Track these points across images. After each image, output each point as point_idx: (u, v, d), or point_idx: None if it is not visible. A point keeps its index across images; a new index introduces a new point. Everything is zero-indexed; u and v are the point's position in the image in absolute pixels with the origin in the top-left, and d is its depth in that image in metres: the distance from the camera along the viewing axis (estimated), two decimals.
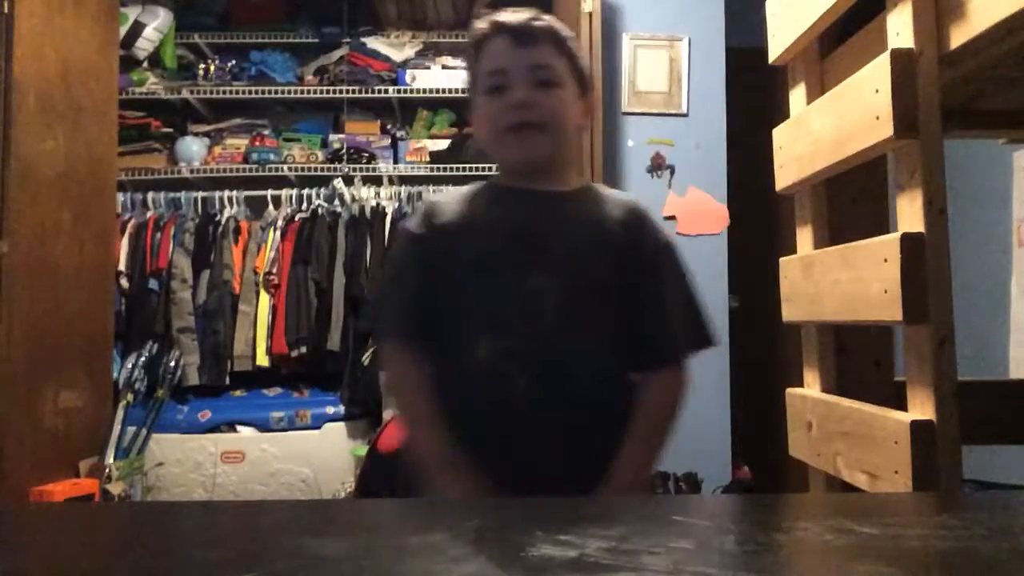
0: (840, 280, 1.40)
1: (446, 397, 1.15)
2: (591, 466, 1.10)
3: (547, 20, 1.21)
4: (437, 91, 3.71)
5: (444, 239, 1.17)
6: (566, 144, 1.22)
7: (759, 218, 3.28)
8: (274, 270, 3.50)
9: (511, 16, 1.19)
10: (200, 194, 3.69)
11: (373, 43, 3.80)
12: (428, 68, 3.76)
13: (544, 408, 1.10)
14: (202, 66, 3.77)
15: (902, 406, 1.25)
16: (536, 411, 1.10)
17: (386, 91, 3.73)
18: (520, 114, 1.15)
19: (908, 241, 1.18)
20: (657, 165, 3.33)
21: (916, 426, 1.16)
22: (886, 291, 1.22)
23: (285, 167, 3.71)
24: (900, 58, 1.20)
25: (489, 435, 1.10)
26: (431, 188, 3.65)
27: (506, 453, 1.09)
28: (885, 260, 1.22)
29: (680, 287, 1.21)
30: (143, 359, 3.29)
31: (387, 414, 3.17)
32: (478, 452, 1.10)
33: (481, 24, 1.21)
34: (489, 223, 1.18)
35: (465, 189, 1.27)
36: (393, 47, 3.81)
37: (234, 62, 3.78)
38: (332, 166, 3.70)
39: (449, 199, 1.25)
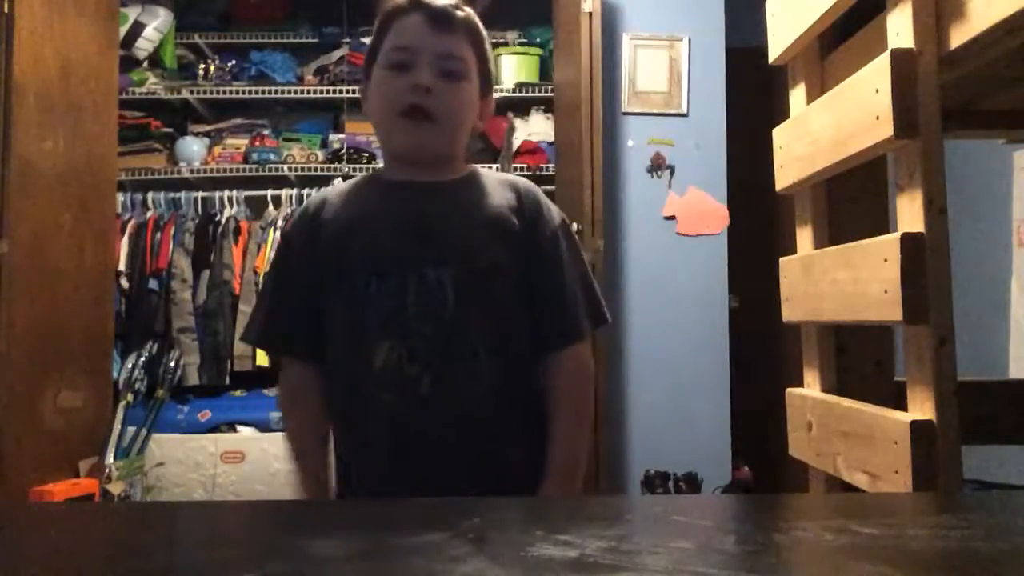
0: (840, 280, 1.40)
1: (342, 406, 1.13)
2: (498, 459, 1.09)
3: (468, 11, 1.16)
4: None
5: (330, 239, 1.13)
6: (458, 140, 1.17)
7: (759, 218, 3.28)
8: None
9: None
10: (200, 194, 3.69)
11: None
12: None
13: (451, 406, 1.07)
14: (202, 66, 3.77)
15: (902, 406, 1.25)
16: (442, 410, 1.07)
17: None
18: (420, 97, 1.10)
19: (908, 241, 1.18)
20: (657, 165, 3.33)
21: (916, 426, 1.16)
22: (886, 291, 1.22)
23: (285, 167, 3.71)
24: (900, 58, 1.20)
25: (393, 442, 1.08)
26: None
27: (410, 458, 1.07)
28: (885, 260, 1.22)
29: (577, 265, 1.17)
30: (143, 359, 3.29)
31: None
32: (378, 460, 1.09)
33: None
34: (379, 219, 1.13)
35: (347, 184, 1.22)
36: None
37: (234, 62, 3.78)
38: (332, 166, 3.70)
39: (331, 196, 1.19)
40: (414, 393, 1.06)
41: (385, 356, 1.06)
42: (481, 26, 1.18)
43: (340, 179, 3.64)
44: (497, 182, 1.20)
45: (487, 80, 1.19)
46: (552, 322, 1.14)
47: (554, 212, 1.19)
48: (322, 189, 1.23)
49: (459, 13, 1.15)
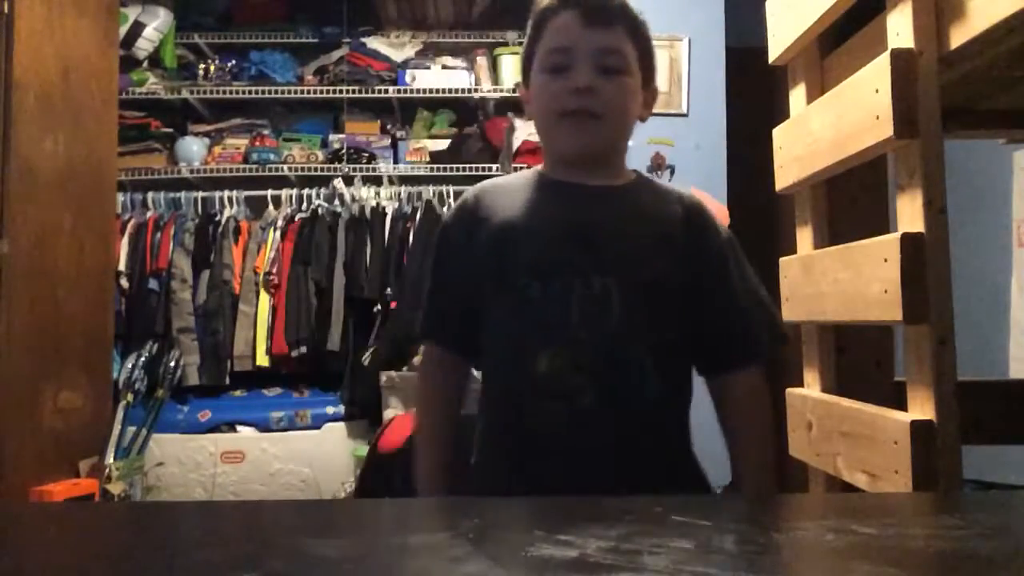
0: (840, 280, 1.40)
1: (499, 413, 1.09)
2: (648, 477, 1.03)
3: (623, 1, 1.11)
4: (437, 91, 3.71)
5: (492, 238, 1.09)
6: (624, 136, 1.14)
7: (759, 218, 3.28)
8: (274, 270, 3.50)
9: None
10: (200, 194, 3.69)
11: (373, 43, 3.81)
12: (428, 68, 3.76)
13: (613, 419, 1.03)
14: (202, 66, 3.77)
15: (902, 406, 1.25)
16: (604, 423, 1.02)
17: (386, 91, 3.73)
18: (581, 100, 1.06)
19: (908, 241, 1.18)
20: (657, 165, 3.33)
21: (916, 426, 1.16)
22: (886, 291, 1.22)
23: (285, 167, 3.71)
24: (900, 58, 1.20)
25: (548, 450, 1.03)
26: (431, 188, 3.65)
27: (562, 467, 1.02)
28: (885, 260, 1.22)
29: (751, 284, 1.14)
30: (143, 359, 3.29)
31: (387, 414, 3.17)
32: (533, 469, 1.04)
33: None
34: (544, 222, 1.08)
35: (511, 179, 1.18)
36: (393, 47, 3.81)
37: (234, 62, 3.79)
38: (332, 166, 3.71)
39: (495, 190, 1.15)
40: (576, 403, 1.02)
41: (548, 364, 1.02)
42: (637, 13, 1.12)
43: (340, 179, 3.65)
44: (664, 194, 1.16)
45: (649, 68, 1.14)
46: (725, 342, 1.11)
47: (723, 231, 1.15)
48: (481, 183, 1.16)
49: (613, 4, 1.10)
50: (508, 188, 1.15)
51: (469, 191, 1.17)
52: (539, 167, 1.18)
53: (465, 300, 1.11)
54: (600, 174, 1.12)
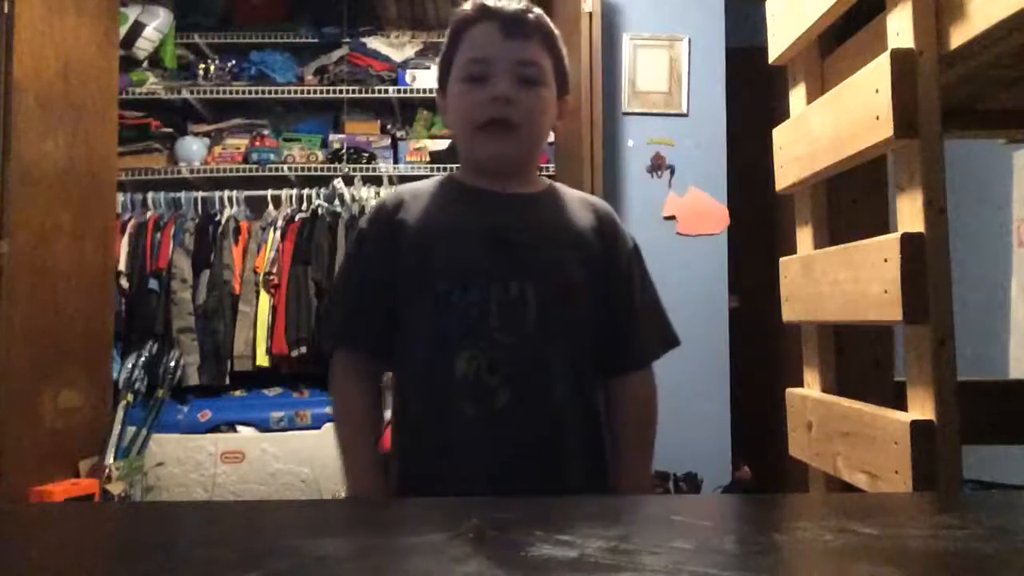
0: (840, 280, 1.40)
1: (417, 411, 1.12)
2: (559, 478, 1.07)
3: (538, 12, 1.14)
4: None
5: (410, 244, 1.11)
6: (538, 147, 1.18)
7: (759, 218, 3.28)
8: (274, 270, 3.50)
9: (501, 2, 1.12)
10: (200, 194, 3.69)
11: (373, 43, 3.80)
12: (428, 68, 3.76)
13: (526, 420, 1.06)
14: (202, 66, 3.77)
15: (902, 406, 1.25)
16: (517, 423, 1.05)
17: (386, 91, 3.73)
18: (500, 110, 1.09)
19: (908, 241, 1.18)
20: (657, 165, 3.33)
21: (916, 426, 1.16)
22: (886, 291, 1.22)
23: (285, 167, 3.71)
24: (900, 58, 1.20)
25: (465, 449, 1.06)
26: None
27: (479, 466, 1.05)
28: (885, 260, 1.22)
29: (648, 289, 1.19)
30: (143, 359, 3.29)
31: (387, 414, 3.16)
32: (445, 466, 1.07)
33: (467, 6, 1.14)
34: (461, 228, 1.11)
35: (427, 184, 1.19)
36: (393, 47, 3.81)
37: (234, 62, 3.78)
38: (332, 166, 3.70)
39: (412, 195, 1.16)
40: (492, 405, 1.05)
41: (465, 366, 1.05)
42: (552, 25, 1.15)
43: (340, 179, 3.65)
44: (577, 200, 1.20)
45: (563, 80, 1.17)
46: (623, 346, 1.15)
47: (630, 239, 1.20)
48: (396, 188, 1.19)
49: (531, 17, 1.12)
50: (425, 193, 1.17)
51: (386, 195, 1.20)
52: (451, 173, 1.22)
53: (384, 304, 1.12)
54: (515, 182, 1.15)
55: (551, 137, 3.60)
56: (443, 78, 1.18)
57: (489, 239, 1.09)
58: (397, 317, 1.12)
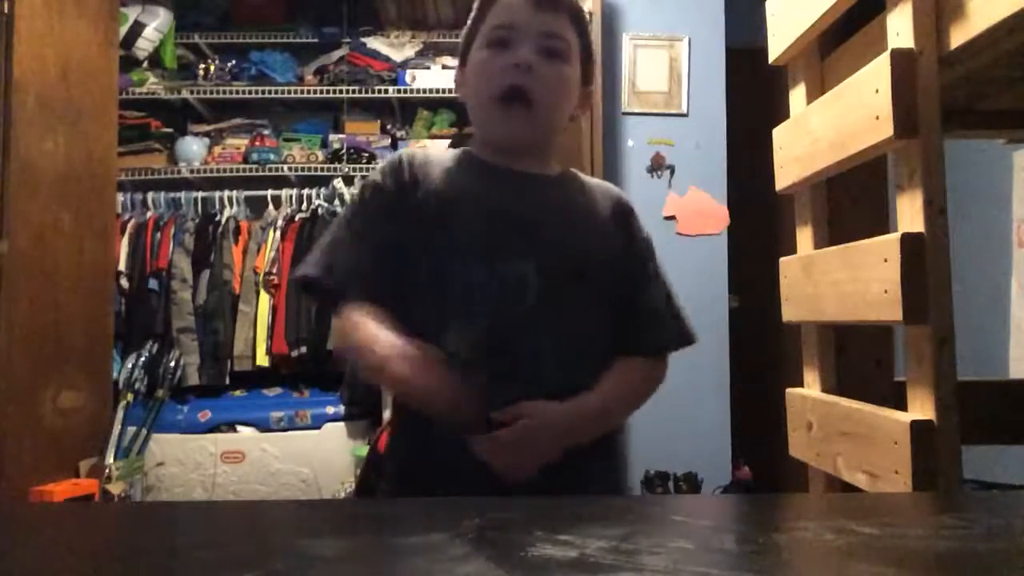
0: (840, 280, 1.40)
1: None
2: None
3: None
4: (437, 91, 3.70)
5: (421, 207, 1.07)
6: (555, 132, 1.15)
7: (759, 218, 3.28)
8: (274, 270, 3.50)
9: None
10: (200, 194, 3.69)
11: (373, 43, 3.80)
12: (428, 68, 3.76)
13: (508, 400, 1.00)
14: (202, 66, 3.77)
15: (902, 406, 1.25)
16: (503, 396, 1.00)
17: (386, 91, 3.73)
18: (520, 77, 1.06)
19: (908, 241, 1.18)
20: (657, 165, 3.33)
21: (916, 426, 1.16)
22: (886, 291, 1.22)
23: (285, 167, 3.71)
24: (900, 58, 1.20)
25: (450, 433, 0.99)
26: None
27: (462, 450, 0.99)
28: (885, 260, 1.22)
29: (663, 284, 1.17)
30: (143, 359, 3.29)
31: (387, 414, 3.17)
32: (440, 446, 1.02)
33: None
34: (473, 201, 1.08)
35: (443, 153, 1.17)
36: (393, 47, 3.81)
37: (234, 62, 3.78)
38: (332, 166, 3.70)
39: (428, 160, 1.13)
40: (481, 377, 0.99)
41: (456, 340, 1.01)
42: (585, 11, 1.14)
43: (340, 179, 3.65)
44: (595, 188, 1.18)
45: (588, 68, 1.15)
46: (638, 335, 1.13)
47: (644, 231, 1.18)
48: (410, 150, 1.16)
49: None
50: (440, 161, 1.13)
51: (400, 153, 1.15)
52: (468, 147, 1.18)
53: (392, 258, 1.07)
54: (530, 162, 1.13)
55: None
56: (465, 50, 1.15)
57: (499, 215, 1.07)
58: (401, 278, 1.07)
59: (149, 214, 3.63)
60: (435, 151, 1.18)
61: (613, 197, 1.18)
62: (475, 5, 1.14)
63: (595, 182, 1.21)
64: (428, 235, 1.06)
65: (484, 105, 1.11)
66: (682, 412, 3.09)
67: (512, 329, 1.03)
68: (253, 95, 3.74)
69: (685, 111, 3.33)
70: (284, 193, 3.68)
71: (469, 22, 1.15)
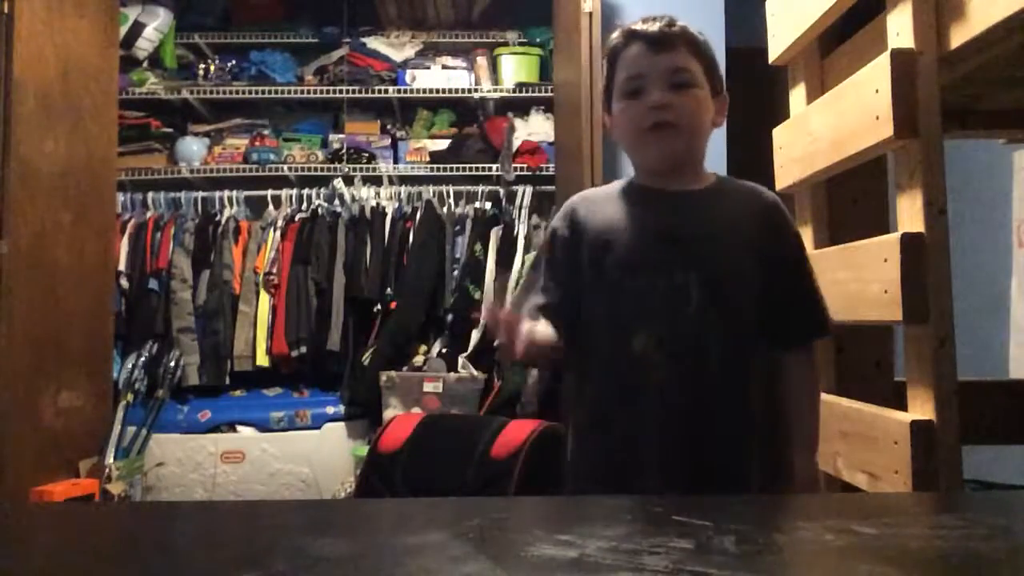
0: (840, 280, 1.40)
1: (598, 385, 1.21)
2: (710, 452, 1.16)
3: (681, 25, 1.26)
4: (437, 91, 3.70)
5: (591, 240, 1.23)
6: (701, 142, 1.26)
7: None
8: (274, 270, 3.50)
9: (644, 24, 1.25)
10: (200, 194, 3.69)
11: (373, 43, 3.80)
12: (428, 68, 3.76)
13: (687, 393, 1.16)
14: (202, 66, 3.77)
15: (902, 406, 1.25)
16: (677, 395, 1.15)
17: (386, 91, 3.73)
18: (658, 115, 1.20)
19: (908, 241, 1.18)
20: None
21: (916, 426, 1.16)
22: (886, 291, 1.22)
23: (285, 167, 3.71)
24: (900, 58, 1.20)
25: (642, 416, 1.16)
26: (431, 188, 3.65)
27: (657, 433, 1.15)
28: (885, 260, 1.22)
29: (810, 277, 1.26)
30: (143, 359, 3.29)
31: (387, 414, 3.17)
32: (629, 429, 1.17)
33: (616, 35, 1.27)
34: (634, 224, 1.23)
35: (607, 188, 1.33)
36: (393, 47, 3.81)
37: (234, 62, 3.78)
38: (332, 166, 3.70)
39: (593, 197, 1.31)
40: (657, 378, 1.16)
41: (639, 344, 1.17)
42: (698, 34, 1.27)
43: (340, 179, 3.65)
44: (744, 194, 1.28)
45: (715, 79, 1.26)
46: (799, 321, 1.24)
47: (794, 228, 1.29)
48: (580, 192, 1.36)
49: (673, 29, 1.25)
50: (604, 195, 1.31)
51: (573, 198, 1.33)
52: (630, 177, 1.33)
53: (571, 290, 1.24)
54: (682, 180, 1.25)
55: (551, 137, 3.62)
56: (607, 101, 1.29)
57: (658, 234, 1.22)
58: (582, 304, 1.23)
59: (149, 214, 3.63)
60: (601, 188, 1.37)
61: (762, 198, 1.28)
62: (604, 61, 1.30)
63: (746, 187, 1.30)
64: (601, 262, 1.22)
65: (634, 138, 1.25)
66: None
67: (681, 330, 1.17)
68: (253, 95, 3.74)
69: None
70: (284, 193, 3.68)
71: (604, 76, 1.30)
